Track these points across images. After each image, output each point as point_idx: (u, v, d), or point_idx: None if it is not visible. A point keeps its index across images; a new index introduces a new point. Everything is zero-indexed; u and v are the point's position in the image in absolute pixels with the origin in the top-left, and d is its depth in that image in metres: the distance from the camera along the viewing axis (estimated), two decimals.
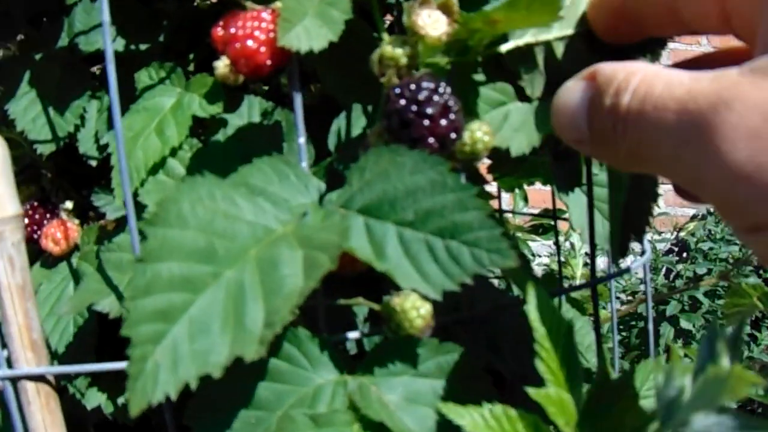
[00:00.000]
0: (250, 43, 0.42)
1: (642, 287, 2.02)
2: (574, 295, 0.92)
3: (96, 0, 0.57)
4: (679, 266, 2.33)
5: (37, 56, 0.58)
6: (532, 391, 0.38)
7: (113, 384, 0.59)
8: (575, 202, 0.62)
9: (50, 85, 0.57)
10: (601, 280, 0.55)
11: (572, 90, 0.34)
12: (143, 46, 0.58)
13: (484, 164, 0.55)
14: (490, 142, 0.45)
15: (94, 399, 0.59)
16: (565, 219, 0.74)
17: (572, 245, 1.33)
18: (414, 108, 0.42)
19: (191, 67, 0.63)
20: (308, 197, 0.44)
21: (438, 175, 0.40)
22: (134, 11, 0.58)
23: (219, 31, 0.49)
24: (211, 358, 0.33)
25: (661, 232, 2.48)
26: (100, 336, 0.57)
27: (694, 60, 0.41)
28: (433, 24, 0.44)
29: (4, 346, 0.49)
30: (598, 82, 0.32)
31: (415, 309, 0.44)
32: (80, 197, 0.61)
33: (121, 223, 0.58)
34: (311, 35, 0.43)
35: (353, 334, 0.49)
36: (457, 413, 0.39)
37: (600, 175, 0.61)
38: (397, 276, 0.39)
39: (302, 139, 0.44)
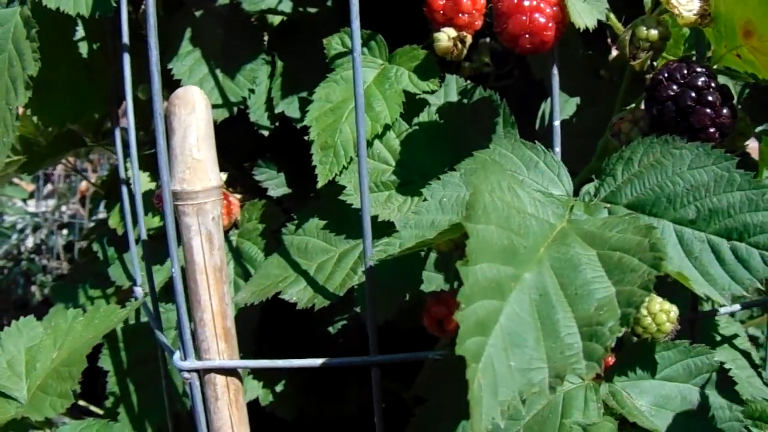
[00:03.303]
0: (538, 17, 0.36)
1: None
2: None
3: None
4: None
5: (197, 13, 0.52)
6: None
7: (271, 374, 0.55)
8: None
9: (215, 45, 0.51)
10: None
11: None
12: (312, 9, 0.53)
13: None
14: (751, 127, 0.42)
15: (252, 391, 0.55)
16: None
17: None
18: (693, 95, 0.38)
19: None
20: (562, 189, 0.40)
21: (724, 171, 0.37)
22: None
23: (440, 0, 0.44)
24: (533, 377, 0.29)
25: None
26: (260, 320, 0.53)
27: None
28: (687, 3, 0.40)
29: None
30: None
31: (664, 312, 0.41)
32: (234, 168, 0.56)
33: (293, 201, 0.54)
34: (579, 10, 0.38)
35: None
36: None
37: None
38: (686, 279, 0.36)
39: (557, 122, 0.40)
